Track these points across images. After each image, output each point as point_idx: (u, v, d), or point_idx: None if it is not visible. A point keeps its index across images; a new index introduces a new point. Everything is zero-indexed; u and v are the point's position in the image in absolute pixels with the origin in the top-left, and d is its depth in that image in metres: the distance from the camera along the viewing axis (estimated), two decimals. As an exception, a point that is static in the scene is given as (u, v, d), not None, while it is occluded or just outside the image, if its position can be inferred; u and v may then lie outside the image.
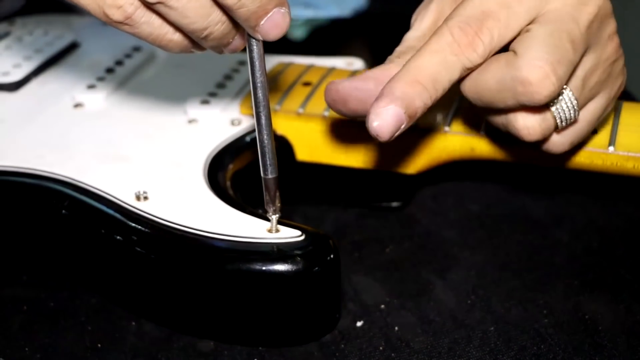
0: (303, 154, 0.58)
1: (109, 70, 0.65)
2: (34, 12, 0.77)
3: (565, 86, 0.46)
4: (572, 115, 0.46)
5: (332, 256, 0.47)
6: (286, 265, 0.45)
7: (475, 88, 0.46)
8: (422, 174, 0.57)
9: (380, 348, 0.48)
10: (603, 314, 0.50)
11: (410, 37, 0.49)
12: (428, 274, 0.54)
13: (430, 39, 0.45)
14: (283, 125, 0.57)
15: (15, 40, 0.70)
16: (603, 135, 0.52)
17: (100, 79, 0.64)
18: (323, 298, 0.48)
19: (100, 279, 0.53)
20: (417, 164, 0.57)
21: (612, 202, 0.61)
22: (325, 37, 0.85)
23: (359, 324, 0.50)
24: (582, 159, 0.52)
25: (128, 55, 0.67)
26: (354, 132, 0.56)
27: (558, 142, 0.48)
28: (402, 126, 0.43)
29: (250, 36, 0.42)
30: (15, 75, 0.64)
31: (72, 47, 0.70)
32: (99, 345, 0.49)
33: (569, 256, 0.56)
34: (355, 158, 0.57)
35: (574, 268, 0.54)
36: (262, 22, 0.40)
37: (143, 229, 0.48)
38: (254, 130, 0.57)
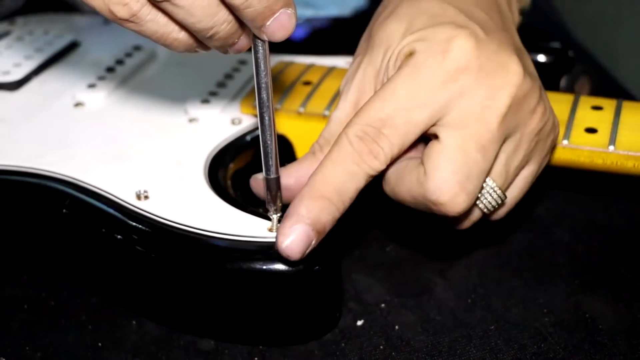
0: (303, 153, 0.58)
1: (110, 70, 0.65)
2: (34, 12, 0.77)
3: (487, 178, 0.46)
4: (498, 202, 0.47)
5: (332, 255, 0.47)
6: (287, 264, 0.45)
7: (394, 196, 0.47)
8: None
9: (381, 347, 0.49)
10: (603, 313, 0.50)
11: (335, 120, 0.49)
12: (428, 273, 0.54)
13: (331, 148, 0.45)
14: (283, 124, 0.57)
15: (15, 39, 0.70)
16: (603, 134, 0.52)
17: (101, 78, 0.64)
18: (324, 297, 0.48)
19: (101, 278, 0.53)
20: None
21: (613, 202, 0.61)
22: (325, 37, 0.85)
23: (359, 322, 0.50)
24: (583, 158, 0.52)
25: (129, 54, 0.67)
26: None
27: (495, 217, 0.50)
28: (313, 242, 0.44)
29: (256, 37, 0.42)
30: (16, 75, 0.64)
31: (72, 46, 0.70)
32: (100, 344, 0.50)
33: (570, 255, 0.56)
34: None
35: (574, 267, 0.54)
36: (268, 23, 0.40)
37: (144, 228, 0.48)
38: (254, 130, 0.57)
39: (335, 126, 0.49)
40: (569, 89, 0.65)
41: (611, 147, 0.51)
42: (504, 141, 0.46)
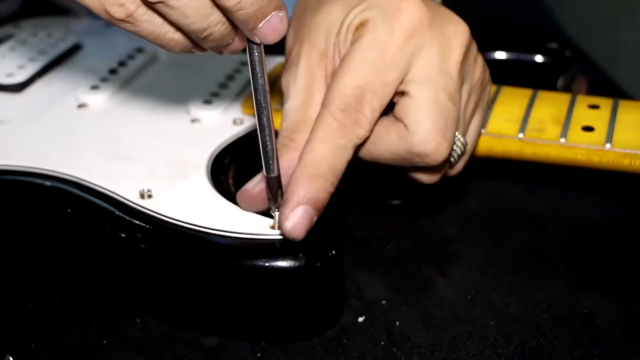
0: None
1: (112, 71, 0.66)
2: (29, 16, 0.77)
3: None
4: (462, 149, 0.50)
5: (334, 252, 0.47)
6: (289, 261, 0.46)
7: (371, 157, 0.49)
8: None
9: (382, 343, 0.49)
10: (601, 309, 0.51)
11: (292, 109, 0.50)
12: (429, 270, 0.55)
13: (316, 127, 0.47)
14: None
15: (19, 42, 0.71)
16: (600, 132, 0.53)
17: (104, 79, 0.64)
18: (325, 294, 0.48)
19: (105, 277, 0.53)
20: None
21: (610, 198, 0.62)
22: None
23: (360, 319, 0.51)
24: (580, 156, 0.53)
25: (131, 57, 0.68)
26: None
27: (454, 170, 0.52)
28: (314, 219, 0.46)
29: (250, 40, 0.43)
30: (20, 77, 0.65)
31: (75, 49, 0.70)
32: (104, 341, 0.50)
33: (568, 252, 0.56)
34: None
35: (572, 263, 0.55)
36: (260, 25, 0.41)
37: (147, 226, 0.49)
38: (256, 130, 0.57)
39: (294, 115, 0.50)
40: (567, 89, 0.65)
41: (608, 145, 0.52)
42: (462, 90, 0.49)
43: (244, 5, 0.40)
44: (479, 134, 0.53)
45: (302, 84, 0.50)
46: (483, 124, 0.54)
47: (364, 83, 0.46)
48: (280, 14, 0.41)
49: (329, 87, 0.48)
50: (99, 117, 0.60)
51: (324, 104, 0.47)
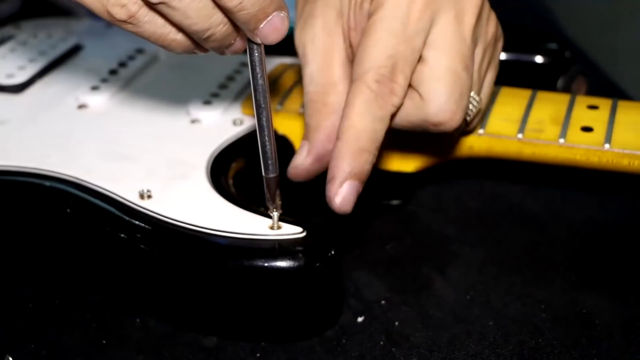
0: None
1: (113, 72, 0.66)
2: (30, 17, 0.78)
3: None
4: (477, 107, 0.50)
5: (333, 252, 0.47)
6: (288, 261, 0.46)
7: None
8: (422, 172, 0.58)
9: (381, 343, 0.49)
10: (600, 309, 0.51)
11: (316, 72, 0.50)
12: (428, 270, 0.55)
13: (352, 100, 0.47)
14: (284, 124, 0.58)
15: (19, 42, 0.71)
16: (599, 133, 0.53)
17: (104, 80, 0.64)
18: (325, 294, 0.49)
19: (105, 277, 0.53)
20: (416, 162, 0.57)
21: (610, 198, 0.62)
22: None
23: (360, 319, 0.51)
24: (579, 156, 0.53)
25: (131, 57, 0.68)
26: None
27: (470, 126, 0.53)
28: (359, 191, 0.47)
29: (250, 40, 0.43)
30: (20, 77, 0.65)
31: (75, 50, 0.70)
32: (104, 341, 0.50)
33: (567, 252, 0.56)
34: None
35: (571, 263, 0.55)
36: (261, 26, 0.41)
37: (147, 226, 0.49)
38: (255, 130, 0.57)
39: (319, 78, 0.50)
40: (566, 89, 0.65)
41: (607, 146, 0.52)
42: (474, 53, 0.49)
43: (246, 6, 0.40)
44: (493, 89, 0.54)
45: (321, 45, 0.50)
46: (483, 124, 0.54)
47: (395, 52, 0.47)
48: (282, 14, 0.41)
49: (358, 59, 0.48)
50: (99, 118, 0.60)
51: (358, 76, 0.47)
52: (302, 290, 0.47)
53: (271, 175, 0.47)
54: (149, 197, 0.51)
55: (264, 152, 0.46)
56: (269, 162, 0.47)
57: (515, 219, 0.60)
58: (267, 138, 0.46)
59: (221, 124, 0.59)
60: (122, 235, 0.49)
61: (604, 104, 0.55)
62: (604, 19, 0.93)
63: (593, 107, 0.55)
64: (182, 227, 0.49)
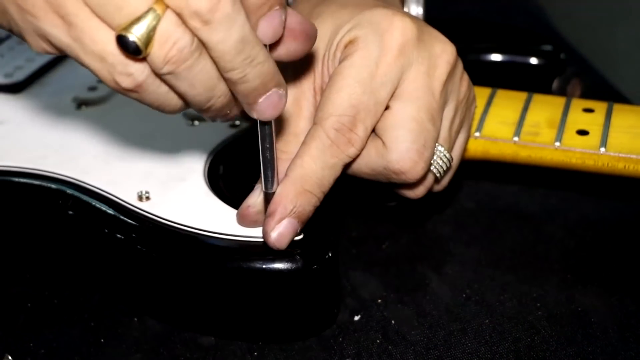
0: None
1: (110, 73, 0.66)
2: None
3: (436, 144, 0.49)
4: (448, 165, 0.50)
5: (330, 254, 0.48)
6: (285, 263, 0.46)
7: (350, 171, 0.49)
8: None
9: (378, 341, 0.50)
10: (596, 307, 0.52)
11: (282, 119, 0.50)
12: (424, 269, 0.55)
13: (308, 142, 0.47)
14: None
15: (17, 42, 0.71)
16: (595, 136, 0.53)
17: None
18: (322, 295, 0.49)
19: (104, 277, 0.53)
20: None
21: (604, 199, 0.62)
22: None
23: (356, 318, 0.51)
24: (575, 159, 0.53)
25: (128, 58, 0.68)
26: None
27: (440, 186, 0.53)
28: (297, 231, 0.47)
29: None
30: (18, 77, 0.65)
31: (73, 50, 0.70)
32: (102, 340, 0.51)
33: (563, 251, 0.57)
34: None
35: (567, 262, 0.56)
36: (260, 100, 0.41)
37: (146, 228, 0.49)
38: (251, 131, 0.58)
39: (286, 127, 0.50)
40: (561, 91, 0.66)
41: (602, 149, 0.52)
42: (444, 109, 0.49)
43: (249, 78, 0.40)
44: (464, 150, 0.54)
45: (291, 97, 0.50)
46: (479, 127, 0.55)
47: (358, 101, 0.46)
48: (280, 91, 0.41)
49: (321, 104, 0.48)
50: (97, 119, 0.60)
51: (317, 121, 0.47)
52: (299, 292, 0.48)
53: (271, 191, 0.48)
54: (148, 198, 0.51)
55: (265, 167, 0.47)
56: (270, 177, 0.47)
57: (510, 218, 0.60)
58: (268, 153, 0.46)
59: (218, 125, 0.59)
60: (121, 236, 0.50)
61: (600, 107, 0.56)
62: (598, 20, 0.94)
63: (589, 110, 0.56)
64: (180, 229, 0.49)
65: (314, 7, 0.52)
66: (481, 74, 0.59)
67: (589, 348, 0.48)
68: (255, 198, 0.49)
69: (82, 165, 0.55)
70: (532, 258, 0.56)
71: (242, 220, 0.49)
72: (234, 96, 0.42)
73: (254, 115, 0.42)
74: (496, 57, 0.66)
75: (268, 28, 0.40)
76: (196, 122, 0.59)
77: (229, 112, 0.43)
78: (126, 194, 0.52)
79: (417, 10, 0.62)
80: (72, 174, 0.54)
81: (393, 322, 0.51)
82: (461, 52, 0.52)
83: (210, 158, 0.56)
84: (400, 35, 0.47)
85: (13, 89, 0.64)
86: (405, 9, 0.61)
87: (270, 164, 0.46)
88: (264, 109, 0.41)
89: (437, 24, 0.52)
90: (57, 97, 0.63)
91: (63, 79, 0.66)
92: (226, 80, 0.40)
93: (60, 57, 0.68)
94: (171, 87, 0.40)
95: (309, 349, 0.49)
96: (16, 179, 0.54)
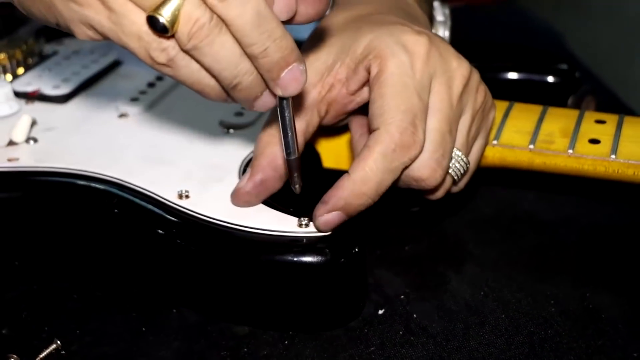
0: (329, 161, 0.63)
1: (150, 85, 0.70)
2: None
3: (454, 149, 0.53)
4: (465, 168, 0.54)
5: (357, 249, 0.51)
6: (314, 256, 0.50)
7: None
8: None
9: (400, 332, 0.52)
10: (607, 304, 0.54)
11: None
12: (444, 268, 0.58)
13: (372, 145, 0.49)
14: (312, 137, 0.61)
15: (63, 57, 0.75)
16: (606, 145, 0.56)
17: (142, 92, 0.69)
18: (349, 287, 0.52)
19: (144, 271, 0.56)
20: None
21: (617, 206, 0.65)
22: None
23: (380, 312, 0.54)
24: (587, 166, 0.56)
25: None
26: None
27: (457, 187, 0.56)
28: (343, 221, 0.50)
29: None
30: (65, 89, 0.69)
31: (115, 65, 0.75)
32: (143, 329, 0.54)
33: (577, 254, 0.60)
34: None
35: (580, 265, 0.58)
36: (282, 74, 0.44)
37: (184, 224, 0.53)
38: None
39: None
40: (576, 108, 0.68)
41: (613, 156, 0.55)
42: (460, 117, 0.53)
43: (269, 52, 0.43)
44: (482, 155, 0.57)
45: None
46: (496, 136, 0.58)
47: (412, 105, 0.49)
48: (301, 66, 0.44)
49: (377, 111, 0.50)
50: (138, 126, 0.64)
51: (380, 124, 0.49)
52: (327, 284, 0.51)
53: (292, 157, 0.50)
54: (187, 197, 0.55)
55: (285, 138, 0.49)
56: (290, 145, 0.49)
57: (527, 223, 0.63)
58: (288, 126, 0.48)
59: (252, 132, 0.62)
60: (162, 232, 0.53)
61: (611, 119, 0.58)
62: (615, 48, 0.97)
63: (600, 122, 0.58)
64: (218, 225, 0.52)
65: (352, 22, 0.56)
66: (501, 91, 0.62)
67: (600, 341, 0.51)
68: (245, 181, 0.53)
69: (126, 167, 0.58)
70: (547, 260, 0.59)
71: (235, 200, 0.53)
72: (261, 78, 0.44)
73: (279, 92, 0.45)
74: (515, 75, 0.69)
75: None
76: (231, 131, 0.63)
77: (259, 94, 0.45)
78: (167, 193, 0.55)
79: (444, 33, 0.66)
80: (116, 175, 0.57)
81: (415, 315, 0.54)
82: (483, 71, 0.55)
83: (245, 162, 0.59)
84: (422, 44, 0.51)
85: (61, 99, 0.68)
86: (434, 31, 0.65)
87: (291, 134, 0.49)
88: (286, 83, 0.44)
89: (463, 45, 0.55)
90: (100, 107, 0.67)
91: (106, 91, 0.70)
92: (249, 56, 0.43)
93: (102, 73, 0.73)
94: (199, 62, 0.43)
95: (336, 338, 0.52)
96: (65, 180, 0.57)
